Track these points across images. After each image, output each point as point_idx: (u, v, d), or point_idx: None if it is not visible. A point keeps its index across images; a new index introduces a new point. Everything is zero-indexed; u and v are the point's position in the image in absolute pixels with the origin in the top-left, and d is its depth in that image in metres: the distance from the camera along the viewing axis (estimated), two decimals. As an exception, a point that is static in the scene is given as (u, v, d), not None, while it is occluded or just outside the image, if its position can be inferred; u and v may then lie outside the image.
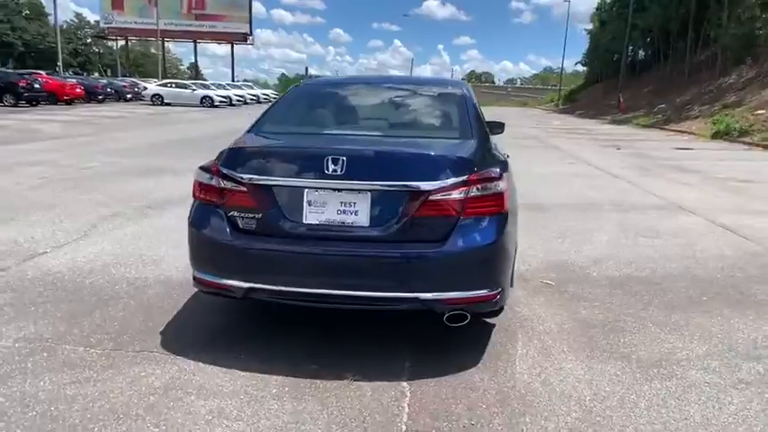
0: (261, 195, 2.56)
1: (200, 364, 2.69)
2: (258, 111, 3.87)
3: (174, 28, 53.44)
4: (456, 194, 2.49)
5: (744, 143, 16.07)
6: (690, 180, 9.24)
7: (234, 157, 2.65)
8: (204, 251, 2.69)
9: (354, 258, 2.48)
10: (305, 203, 2.53)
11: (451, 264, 2.49)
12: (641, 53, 40.81)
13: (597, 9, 49.65)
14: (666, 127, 23.08)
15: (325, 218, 2.53)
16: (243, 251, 2.57)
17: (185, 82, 35.99)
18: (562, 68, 59.81)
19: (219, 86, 36.19)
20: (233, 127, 11.84)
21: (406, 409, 2.36)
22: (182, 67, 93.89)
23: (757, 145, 15.42)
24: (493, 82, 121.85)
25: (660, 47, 35.54)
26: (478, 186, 2.52)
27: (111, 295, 3.53)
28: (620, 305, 3.59)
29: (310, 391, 2.48)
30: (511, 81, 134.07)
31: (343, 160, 2.48)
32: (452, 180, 2.49)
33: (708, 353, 2.95)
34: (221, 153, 2.73)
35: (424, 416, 2.32)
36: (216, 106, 31.06)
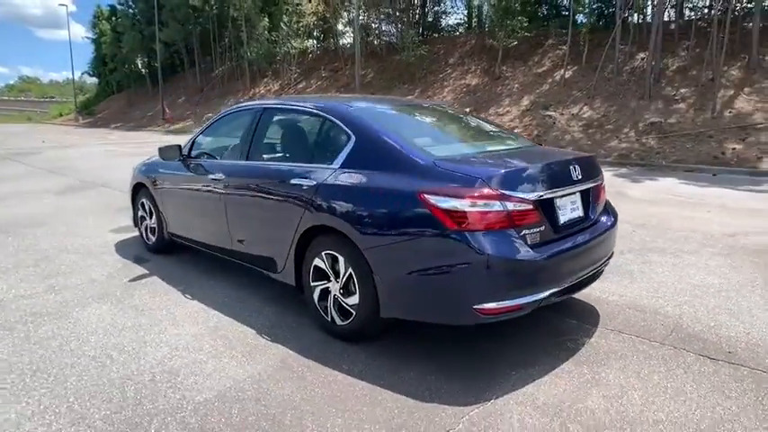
0: (542, 209, 2.77)
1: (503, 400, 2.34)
2: None
3: None
4: (603, 182, 3.41)
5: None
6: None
7: (512, 180, 2.71)
8: (510, 276, 2.65)
9: (594, 240, 3.06)
10: (556, 208, 2.89)
11: (615, 229, 3.40)
12: (158, 64, 41.92)
13: (97, 18, 47.30)
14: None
15: (567, 217, 2.97)
16: (544, 263, 2.69)
17: None
18: (73, 79, 54.19)
19: None
20: None
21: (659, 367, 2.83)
22: None
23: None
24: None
25: (185, 59, 37.76)
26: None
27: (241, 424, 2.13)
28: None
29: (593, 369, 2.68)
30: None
31: (577, 168, 3.04)
32: (602, 173, 3.41)
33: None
34: (491, 178, 2.64)
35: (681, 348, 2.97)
36: None
